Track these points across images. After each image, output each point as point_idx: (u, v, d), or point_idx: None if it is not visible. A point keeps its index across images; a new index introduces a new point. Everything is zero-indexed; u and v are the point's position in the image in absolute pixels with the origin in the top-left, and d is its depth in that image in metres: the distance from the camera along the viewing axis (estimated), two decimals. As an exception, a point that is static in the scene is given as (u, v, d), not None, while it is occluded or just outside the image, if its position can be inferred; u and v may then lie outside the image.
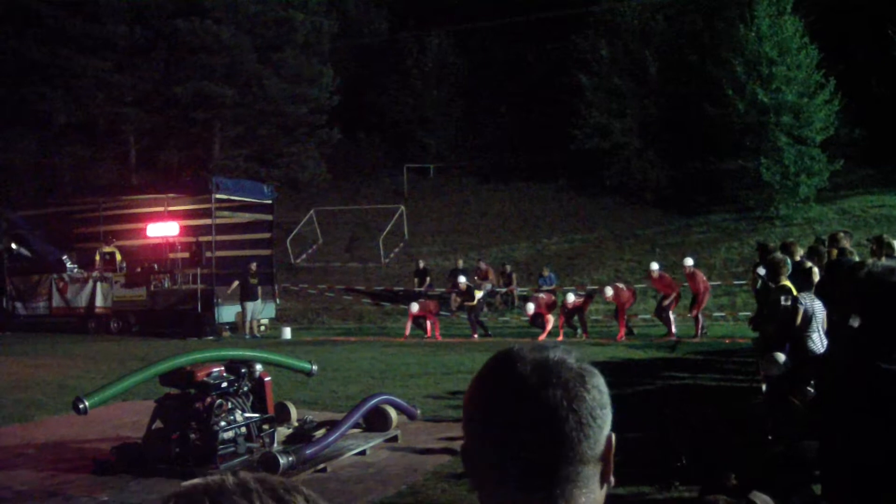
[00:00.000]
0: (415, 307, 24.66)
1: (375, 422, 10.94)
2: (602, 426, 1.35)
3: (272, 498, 1.09)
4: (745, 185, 34.10)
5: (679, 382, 14.89)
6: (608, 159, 38.99)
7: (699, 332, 22.26)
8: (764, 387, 10.93)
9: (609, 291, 22.73)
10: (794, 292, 9.64)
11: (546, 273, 29.08)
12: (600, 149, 38.89)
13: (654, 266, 23.59)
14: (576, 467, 1.32)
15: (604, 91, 39.59)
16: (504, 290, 30.22)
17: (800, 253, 12.29)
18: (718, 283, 28.21)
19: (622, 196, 38.73)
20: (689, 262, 23.55)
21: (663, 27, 40.03)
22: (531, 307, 23.35)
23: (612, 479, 1.38)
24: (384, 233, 36.96)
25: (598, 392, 1.36)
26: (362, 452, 10.05)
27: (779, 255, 10.98)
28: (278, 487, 1.11)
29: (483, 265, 30.40)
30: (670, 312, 22.76)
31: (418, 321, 24.91)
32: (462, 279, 26.82)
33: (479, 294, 25.35)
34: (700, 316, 22.52)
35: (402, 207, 39.05)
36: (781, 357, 9.11)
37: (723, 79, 34.40)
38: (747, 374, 14.45)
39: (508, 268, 30.67)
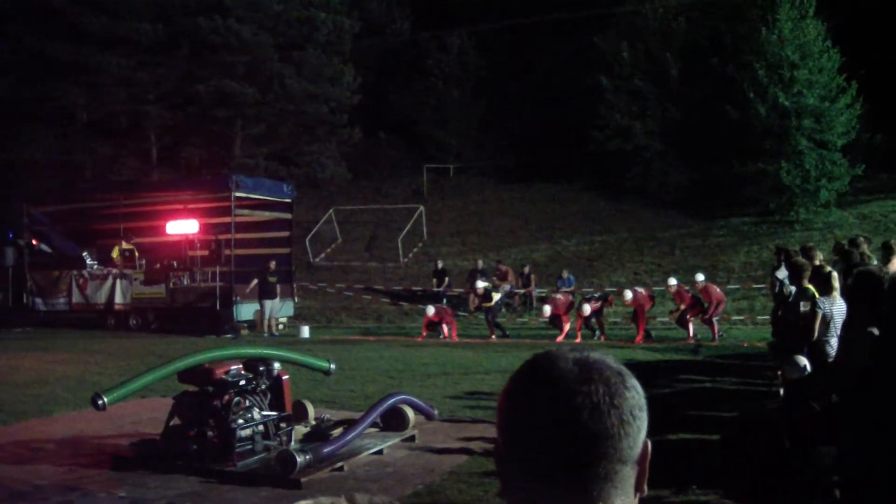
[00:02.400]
0: (430, 310, 24.70)
1: (393, 421, 10.94)
2: (640, 427, 1.35)
3: None
4: (765, 189, 33.99)
5: (698, 386, 14.84)
6: (628, 161, 38.93)
7: (715, 335, 22.16)
8: (782, 391, 10.90)
9: (629, 295, 22.63)
10: (816, 295, 9.61)
11: (565, 275, 29.03)
12: (621, 150, 38.85)
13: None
14: (615, 465, 1.32)
15: (625, 93, 39.53)
16: (522, 291, 30.18)
17: (819, 257, 12.25)
18: (737, 286, 28.12)
19: (642, 198, 38.65)
20: (700, 277, 23.26)
21: (685, 29, 39.93)
22: (547, 309, 23.22)
23: (645, 487, 1.38)
24: (403, 232, 36.99)
25: (637, 392, 1.37)
26: (379, 452, 10.05)
27: (801, 258, 10.95)
28: None
29: (502, 266, 30.35)
30: (689, 317, 22.64)
31: (434, 324, 24.87)
32: (480, 284, 26.31)
33: (496, 296, 25.10)
34: (714, 320, 22.42)
35: (422, 207, 39.07)
36: (803, 360, 9.06)
37: (744, 82, 34.31)
38: (765, 378, 14.40)
39: (527, 269, 30.62)
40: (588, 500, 1.32)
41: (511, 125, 46.09)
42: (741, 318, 26.01)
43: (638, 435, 1.35)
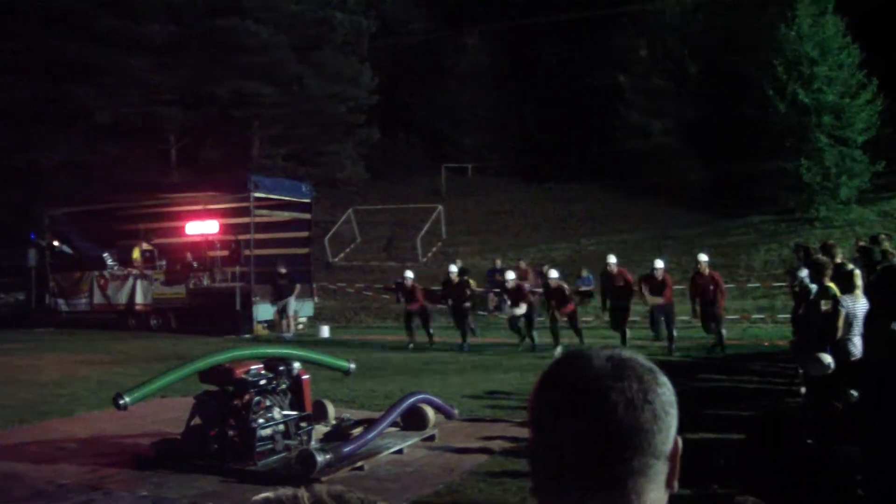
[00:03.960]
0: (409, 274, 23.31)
1: (413, 421, 10.94)
2: (672, 423, 1.38)
3: None
4: (785, 187, 33.86)
5: (718, 385, 14.78)
6: (647, 160, 38.84)
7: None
8: (803, 390, 10.85)
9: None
10: (838, 294, 9.56)
11: (584, 273, 28.94)
12: (639, 149, 38.75)
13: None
14: (648, 460, 1.35)
15: (643, 91, 39.46)
16: (541, 290, 30.08)
17: (840, 255, 12.19)
18: (757, 285, 28.02)
19: (661, 197, 38.54)
20: (703, 258, 20.42)
21: (703, 27, 39.81)
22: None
23: (676, 484, 1.40)
24: (422, 232, 37.02)
25: (668, 389, 1.40)
26: (399, 451, 10.04)
27: (822, 256, 10.90)
28: None
29: (522, 265, 30.29)
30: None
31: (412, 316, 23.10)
32: (510, 275, 22.35)
33: (519, 311, 21.40)
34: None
35: (440, 207, 39.08)
36: (827, 358, 9.01)
37: (763, 79, 34.16)
38: (786, 377, 14.34)
39: (546, 268, 30.54)
40: (623, 494, 1.34)
41: (529, 124, 46.11)
42: (761, 316, 25.88)
43: (670, 431, 1.38)
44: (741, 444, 9.20)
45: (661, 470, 1.37)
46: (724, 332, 19.71)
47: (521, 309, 20.90)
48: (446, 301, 22.72)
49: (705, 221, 35.83)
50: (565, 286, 21.24)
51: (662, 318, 20.08)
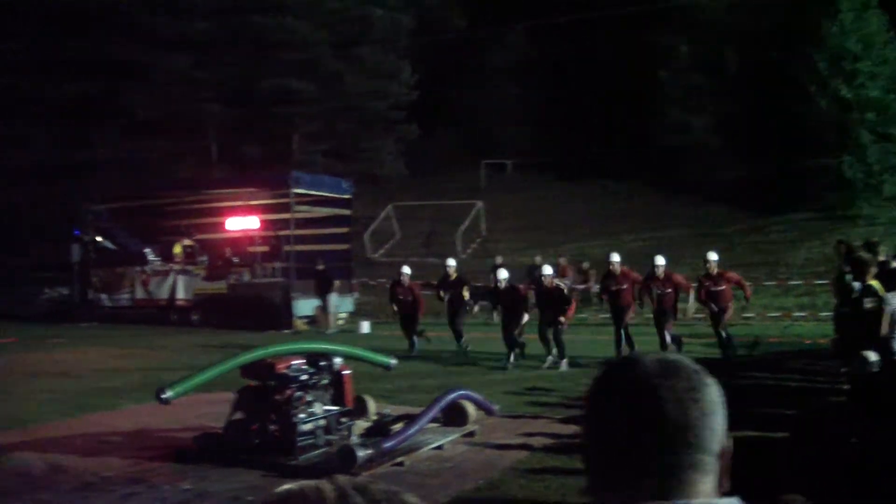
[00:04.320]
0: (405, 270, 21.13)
1: (453, 417, 10.94)
2: (720, 421, 1.43)
3: None
4: (826, 184, 33.55)
5: (760, 383, 14.68)
6: (687, 156, 38.61)
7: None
8: (846, 387, 10.76)
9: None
10: (882, 292, 9.47)
11: (624, 270, 28.84)
12: (679, 146, 38.53)
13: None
14: (699, 455, 1.40)
15: (683, 87, 39.21)
16: (582, 286, 30.03)
17: (884, 252, 12.07)
18: (799, 282, 27.80)
19: (701, 194, 38.29)
20: (712, 256, 18.17)
21: (744, 22, 39.51)
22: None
23: (726, 481, 1.44)
24: (461, 228, 37.02)
25: (715, 388, 1.46)
26: (440, 447, 10.04)
27: (865, 253, 10.80)
28: (381, 497, 1.03)
29: (562, 261, 30.24)
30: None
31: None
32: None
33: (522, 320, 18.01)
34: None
35: (480, 203, 39.07)
36: (873, 356, 8.92)
37: (804, 75, 33.86)
38: (828, 376, 14.22)
39: (586, 264, 30.48)
40: (676, 487, 1.39)
41: (568, 120, 45.94)
42: (803, 314, 25.69)
43: (717, 428, 1.42)
44: (785, 443, 9.14)
45: (712, 467, 1.41)
46: (724, 335, 17.65)
47: (524, 317, 17.89)
48: (440, 296, 20.28)
49: (745, 218, 35.58)
50: (563, 285, 18.77)
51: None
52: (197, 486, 8.54)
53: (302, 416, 9.61)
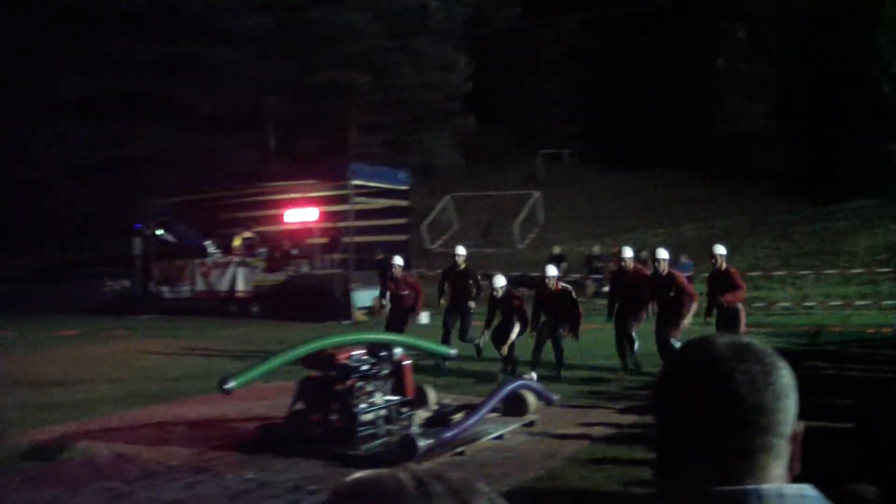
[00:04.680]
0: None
1: (513, 406, 10.95)
2: (792, 406, 1.43)
3: (455, 501, 0.98)
4: (888, 171, 32.98)
5: (822, 373, 14.51)
6: (745, 144, 38.18)
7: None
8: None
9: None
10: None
11: (683, 260, 28.63)
12: (737, 133, 38.12)
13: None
14: (772, 439, 1.40)
15: (741, 75, 38.78)
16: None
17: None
18: (861, 270, 27.42)
19: (760, 182, 37.87)
20: (720, 250, 14.48)
21: (804, 7, 38.95)
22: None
23: (798, 465, 1.44)
24: (519, 218, 36.97)
25: (788, 372, 1.45)
26: (500, 437, 10.06)
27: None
28: (462, 489, 1.01)
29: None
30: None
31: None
32: (500, 282, 15.52)
33: (513, 333, 15.28)
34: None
35: (537, 193, 38.98)
36: None
37: (867, 60, 33.32)
38: (892, 365, 14.03)
39: (644, 254, 30.25)
40: (751, 468, 1.39)
41: (625, 110, 45.65)
42: (866, 303, 25.32)
43: (790, 412, 1.42)
44: (851, 433, 9.02)
45: (784, 450, 1.41)
46: None
47: (515, 329, 15.03)
48: (442, 290, 17.27)
49: (804, 206, 35.14)
50: (571, 289, 15.63)
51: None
52: (259, 476, 8.62)
53: (363, 406, 9.66)
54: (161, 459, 9.33)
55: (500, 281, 15.32)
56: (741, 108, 38.38)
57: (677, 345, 11.69)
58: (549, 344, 14.83)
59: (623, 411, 11.45)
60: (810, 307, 24.59)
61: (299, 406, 10.07)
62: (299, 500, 7.78)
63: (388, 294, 17.33)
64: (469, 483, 1.02)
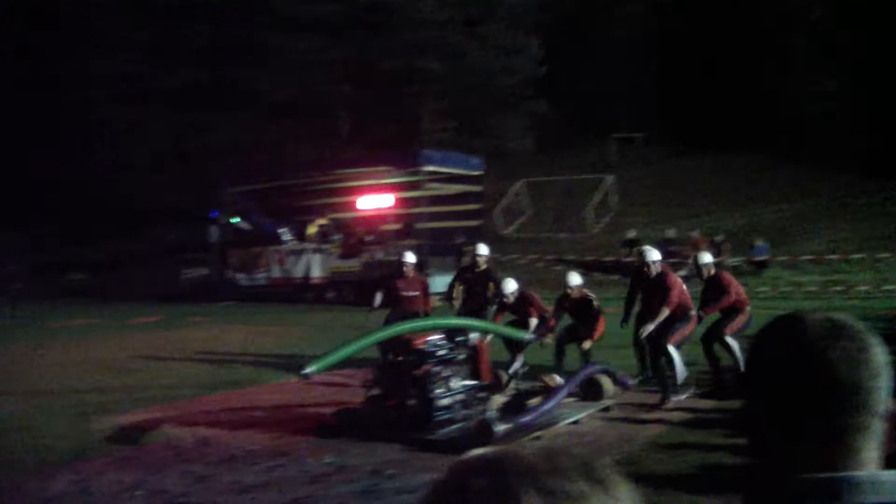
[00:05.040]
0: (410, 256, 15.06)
1: (590, 391, 10.92)
2: (887, 384, 1.40)
3: (591, 479, 0.94)
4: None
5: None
6: (821, 125, 37.52)
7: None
8: None
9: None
10: None
11: (758, 243, 28.32)
12: (812, 114, 37.48)
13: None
14: (867, 418, 1.37)
15: (816, 54, 38.08)
16: (716, 260, 29.42)
17: None
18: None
19: (836, 163, 37.16)
20: (705, 258, 12.87)
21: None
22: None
23: (892, 443, 1.41)
24: (592, 203, 36.75)
25: (882, 349, 1.41)
26: (576, 422, 10.04)
27: None
28: (589, 463, 0.96)
29: (694, 234, 29.79)
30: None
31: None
32: (510, 287, 13.22)
33: (527, 336, 12.88)
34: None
35: (611, 177, 38.73)
36: None
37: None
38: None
39: (719, 237, 29.93)
40: (846, 449, 1.36)
41: (697, 92, 45.11)
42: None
43: (885, 391, 1.39)
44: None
45: (878, 429, 1.38)
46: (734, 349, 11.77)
47: (530, 331, 12.87)
48: (450, 295, 14.37)
49: (885, 189, 34.41)
50: (594, 297, 13.31)
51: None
52: (338, 460, 8.70)
53: (440, 391, 9.70)
54: (241, 444, 9.47)
55: (510, 286, 13.21)
56: (818, 87, 37.69)
57: (672, 350, 11.07)
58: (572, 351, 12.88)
59: (701, 396, 11.35)
60: (890, 291, 24.12)
61: (377, 391, 10.15)
62: (378, 484, 7.84)
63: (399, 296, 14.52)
64: (594, 458, 0.99)
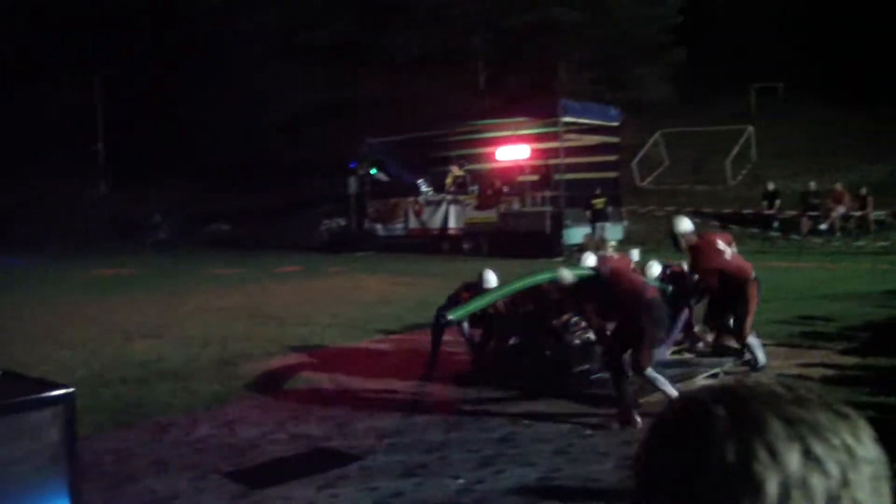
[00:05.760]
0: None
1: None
2: None
3: (832, 411, 0.92)
4: None
5: None
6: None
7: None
8: None
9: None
10: None
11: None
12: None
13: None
14: None
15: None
16: (859, 213, 28.64)
17: None
18: None
19: None
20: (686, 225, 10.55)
21: None
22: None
23: None
24: (731, 154, 36.01)
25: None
26: (714, 375, 9.94)
27: None
28: (825, 395, 0.93)
29: (838, 187, 28.98)
30: None
31: None
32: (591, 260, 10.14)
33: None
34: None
35: (750, 128, 37.86)
36: None
37: None
38: None
39: (864, 191, 29.01)
40: None
41: (842, 41, 43.54)
42: None
43: None
44: None
45: None
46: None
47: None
48: None
49: None
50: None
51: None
52: (476, 409, 8.82)
53: (577, 341, 9.72)
54: (380, 390, 9.68)
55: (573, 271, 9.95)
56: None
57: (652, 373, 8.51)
58: None
59: (843, 352, 11.07)
60: None
61: (514, 340, 10.23)
62: (516, 433, 7.94)
63: None
64: (827, 391, 0.97)
